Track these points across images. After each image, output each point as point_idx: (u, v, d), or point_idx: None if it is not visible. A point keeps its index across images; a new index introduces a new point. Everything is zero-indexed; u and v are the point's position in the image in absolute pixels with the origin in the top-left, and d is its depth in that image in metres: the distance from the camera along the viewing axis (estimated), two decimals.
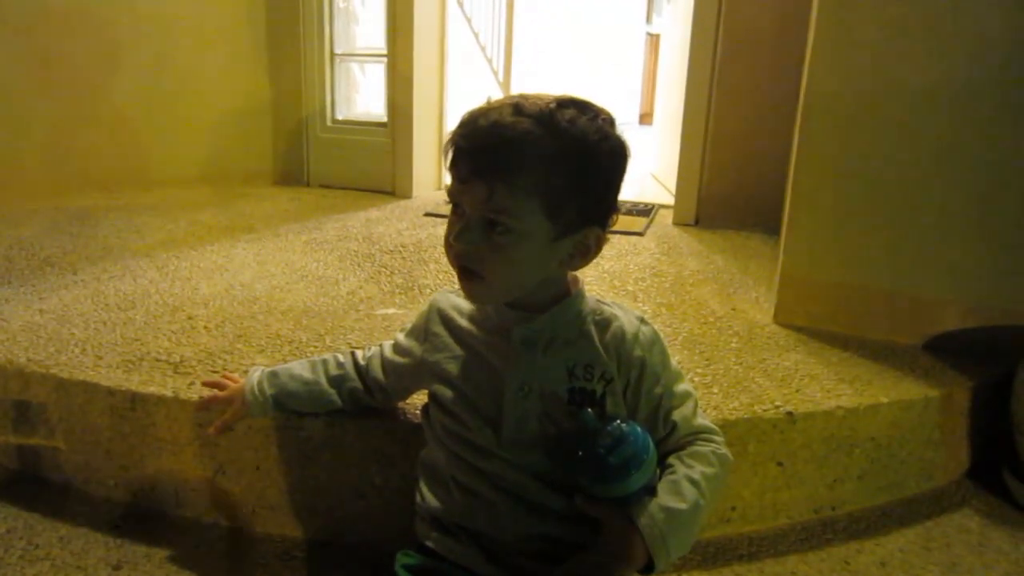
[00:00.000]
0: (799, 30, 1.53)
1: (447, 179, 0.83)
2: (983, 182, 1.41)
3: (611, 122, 0.81)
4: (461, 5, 4.07)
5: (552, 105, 0.77)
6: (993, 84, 1.37)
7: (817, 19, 1.45)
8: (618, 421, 0.81)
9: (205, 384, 1.10)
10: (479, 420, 0.85)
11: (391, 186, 2.80)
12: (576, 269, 0.86)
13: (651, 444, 0.80)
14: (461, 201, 0.79)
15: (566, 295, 0.87)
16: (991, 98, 1.38)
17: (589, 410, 0.82)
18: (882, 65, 1.42)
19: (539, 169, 0.75)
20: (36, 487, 1.25)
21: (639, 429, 0.80)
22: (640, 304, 1.65)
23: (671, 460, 0.84)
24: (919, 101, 1.41)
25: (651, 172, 3.59)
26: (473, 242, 0.78)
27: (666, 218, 2.57)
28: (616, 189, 0.83)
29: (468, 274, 0.81)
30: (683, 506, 0.78)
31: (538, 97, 0.79)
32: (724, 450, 0.87)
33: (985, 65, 1.37)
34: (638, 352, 0.86)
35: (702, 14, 2.40)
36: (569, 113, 0.77)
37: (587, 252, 0.83)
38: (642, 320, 0.89)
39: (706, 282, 1.85)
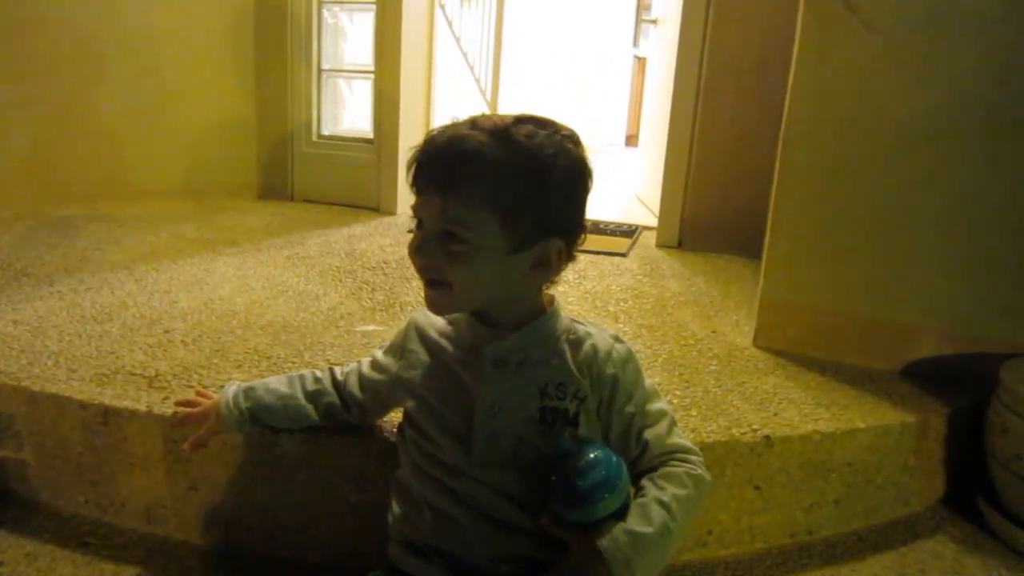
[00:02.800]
0: (783, 57, 1.56)
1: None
2: (960, 211, 1.43)
3: (571, 138, 0.83)
4: (450, 24, 4.10)
5: (509, 121, 0.80)
6: (970, 117, 1.39)
7: (798, 50, 1.47)
8: (593, 446, 0.80)
9: (178, 403, 1.09)
10: (450, 438, 0.85)
11: (376, 202, 2.80)
12: (541, 282, 0.86)
13: (624, 470, 0.80)
14: (421, 214, 0.81)
15: (540, 314, 0.87)
16: (968, 130, 1.40)
17: (566, 434, 0.81)
18: (861, 97, 1.44)
19: (489, 180, 0.77)
20: (2, 502, 1.22)
21: (613, 456, 0.80)
22: (621, 325, 1.66)
23: (643, 482, 0.83)
24: (898, 132, 1.44)
25: (636, 194, 3.62)
26: (430, 253, 0.79)
27: (649, 239, 2.59)
28: (577, 203, 0.84)
29: (432, 284, 0.82)
30: (649, 530, 0.77)
31: (499, 115, 0.82)
32: (700, 470, 0.86)
33: (963, 98, 1.39)
34: (610, 370, 0.86)
35: (687, 40, 2.43)
36: (526, 128, 0.79)
37: (548, 265, 0.83)
38: (616, 338, 0.89)
39: (687, 304, 1.86)
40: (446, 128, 0.81)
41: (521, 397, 0.84)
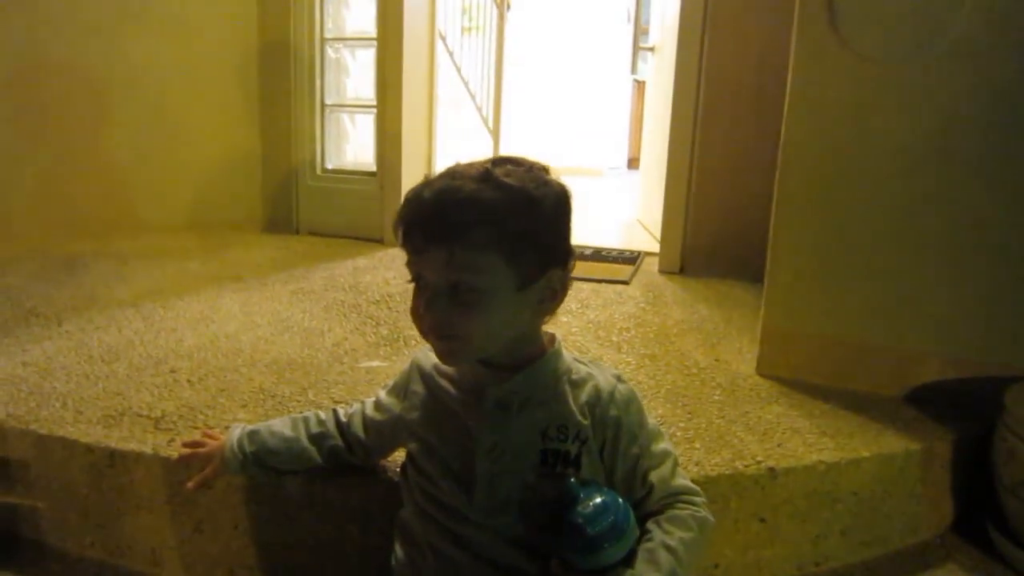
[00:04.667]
0: (780, 82, 1.57)
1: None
2: (958, 236, 1.44)
3: (545, 169, 0.85)
4: (451, 54, 4.16)
5: (488, 165, 0.82)
6: (965, 141, 1.41)
7: (792, 80, 1.49)
8: (600, 490, 0.80)
9: (185, 445, 1.10)
10: (452, 481, 0.85)
11: (380, 234, 2.82)
12: (548, 314, 0.87)
13: (631, 515, 0.80)
14: (422, 272, 0.81)
15: (542, 354, 0.87)
16: (964, 154, 1.41)
17: (572, 478, 0.81)
18: (856, 124, 1.46)
19: (491, 222, 0.78)
20: (9, 545, 1.23)
21: (620, 500, 0.80)
22: (624, 355, 1.66)
23: (649, 525, 0.83)
24: (894, 158, 1.45)
25: (638, 218, 3.63)
26: (443, 309, 0.79)
27: (652, 265, 2.59)
28: (567, 230, 0.86)
29: (444, 337, 0.82)
30: None
31: (472, 162, 0.84)
32: (704, 512, 0.86)
33: (957, 123, 1.40)
34: (614, 412, 0.86)
35: (684, 66, 2.46)
36: (505, 168, 0.81)
37: (555, 295, 0.85)
38: (619, 378, 0.89)
39: (690, 332, 1.86)
40: (428, 184, 0.82)
41: (522, 440, 0.84)
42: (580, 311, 1.98)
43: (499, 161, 0.83)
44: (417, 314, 0.83)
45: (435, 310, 0.80)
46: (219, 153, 2.89)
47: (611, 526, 0.77)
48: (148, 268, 2.28)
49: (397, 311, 1.92)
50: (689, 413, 1.36)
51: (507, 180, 0.79)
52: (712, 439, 1.26)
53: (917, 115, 1.43)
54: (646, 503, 0.86)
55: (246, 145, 2.91)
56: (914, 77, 1.42)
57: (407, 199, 0.82)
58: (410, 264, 0.82)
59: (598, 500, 0.79)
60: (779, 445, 1.25)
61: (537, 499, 0.82)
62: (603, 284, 2.28)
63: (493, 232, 0.78)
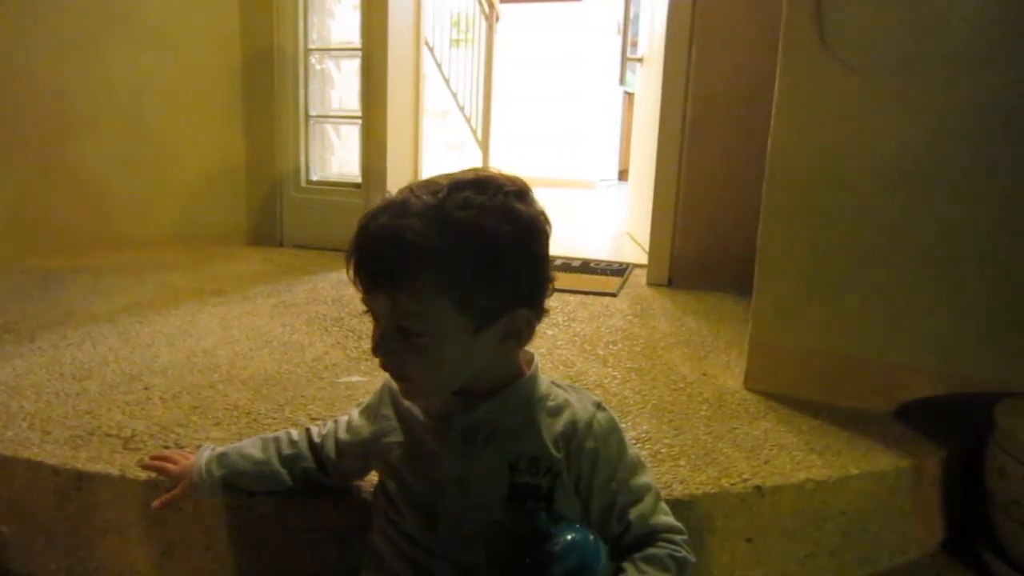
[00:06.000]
0: (767, 93, 1.56)
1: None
2: (947, 249, 1.42)
3: (516, 194, 0.75)
4: (439, 66, 4.14)
5: (442, 193, 0.73)
6: (952, 155, 1.39)
7: (779, 91, 1.48)
8: (571, 527, 0.77)
9: (153, 458, 1.06)
10: (416, 512, 0.82)
11: None
12: (514, 351, 0.81)
13: (603, 553, 0.76)
14: (372, 309, 0.77)
15: (518, 377, 0.82)
16: (952, 168, 1.40)
17: (542, 513, 0.77)
18: (843, 137, 1.44)
19: (435, 269, 0.71)
20: None
21: (590, 537, 0.76)
22: (609, 369, 1.63)
23: (625, 564, 0.79)
24: (880, 171, 1.43)
25: (627, 230, 3.62)
26: (392, 351, 0.76)
27: (640, 278, 2.57)
28: (535, 264, 0.77)
29: (398, 377, 0.80)
30: None
31: (434, 183, 0.75)
32: (683, 552, 0.81)
33: (945, 137, 1.39)
34: (591, 444, 0.80)
35: (671, 77, 2.45)
36: (461, 197, 0.72)
37: (519, 335, 0.78)
38: (598, 406, 0.84)
39: (677, 345, 1.84)
40: (378, 212, 0.74)
41: (490, 472, 0.79)
42: (566, 324, 1.95)
43: (457, 186, 0.73)
44: (372, 351, 0.79)
45: (384, 351, 0.76)
46: (202, 165, 2.85)
47: (578, 566, 0.73)
48: (127, 283, 2.24)
49: None
50: (675, 429, 1.33)
51: (460, 215, 0.71)
52: (698, 456, 1.23)
53: (905, 127, 1.42)
54: (623, 540, 0.81)
55: (230, 157, 2.88)
56: (902, 89, 1.40)
57: (357, 228, 0.75)
58: (363, 300, 0.78)
59: (568, 538, 0.75)
60: (766, 462, 1.23)
61: (505, 535, 0.78)
62: (590, 296, 2.26)
63: (439, 278, 0.71)
